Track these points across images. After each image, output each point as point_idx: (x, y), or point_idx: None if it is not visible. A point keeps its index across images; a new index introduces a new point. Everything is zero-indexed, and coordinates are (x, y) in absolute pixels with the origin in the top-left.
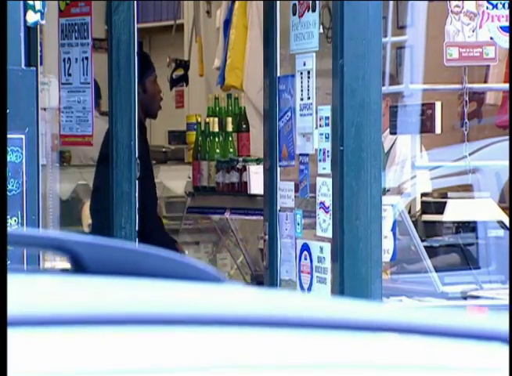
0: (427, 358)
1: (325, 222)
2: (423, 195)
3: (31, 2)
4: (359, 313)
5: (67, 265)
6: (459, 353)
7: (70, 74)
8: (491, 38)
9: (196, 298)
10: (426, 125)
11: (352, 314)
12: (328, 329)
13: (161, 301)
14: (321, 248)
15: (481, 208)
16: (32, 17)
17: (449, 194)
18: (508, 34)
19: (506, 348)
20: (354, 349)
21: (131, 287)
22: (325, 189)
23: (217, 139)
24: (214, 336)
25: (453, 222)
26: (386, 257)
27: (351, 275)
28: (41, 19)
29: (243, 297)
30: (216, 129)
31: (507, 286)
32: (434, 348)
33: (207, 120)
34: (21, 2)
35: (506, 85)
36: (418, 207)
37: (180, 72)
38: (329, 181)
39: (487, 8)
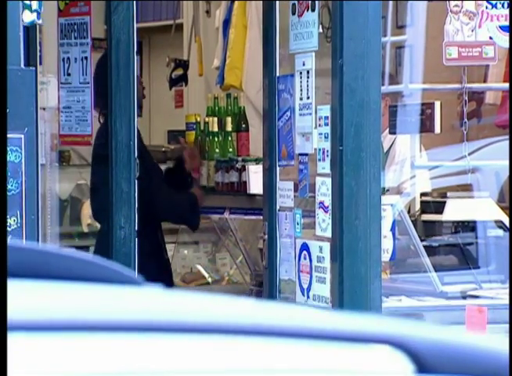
0: (314, 362)
1: (324, 222)
2: (422, 195)
3: (28, 2)
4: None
5: None
6: (348, 357)
7: (69, 74)
8: (490, 38)
9: (113, 301)
10: (425, 125)
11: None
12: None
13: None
14: (320, 248)
15: (481, 208)
16: (28, 17)
17: (449, 194)
18: (508, 34)
19: (397, 352)
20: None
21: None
22: (324, 189)
23: (216, 139)
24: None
25: (453, 222)
26: (385, 256)
27: (351, 275)
28: (38, 18)
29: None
30: (215, 129)
31: (507, 286)
32: (323, 352)
33: (207, 119)
34: (20, 2)
35: (506, 85)
36: (417, 206)
37: (179, 72)
38: (329, 180)
39: (486, 7)
